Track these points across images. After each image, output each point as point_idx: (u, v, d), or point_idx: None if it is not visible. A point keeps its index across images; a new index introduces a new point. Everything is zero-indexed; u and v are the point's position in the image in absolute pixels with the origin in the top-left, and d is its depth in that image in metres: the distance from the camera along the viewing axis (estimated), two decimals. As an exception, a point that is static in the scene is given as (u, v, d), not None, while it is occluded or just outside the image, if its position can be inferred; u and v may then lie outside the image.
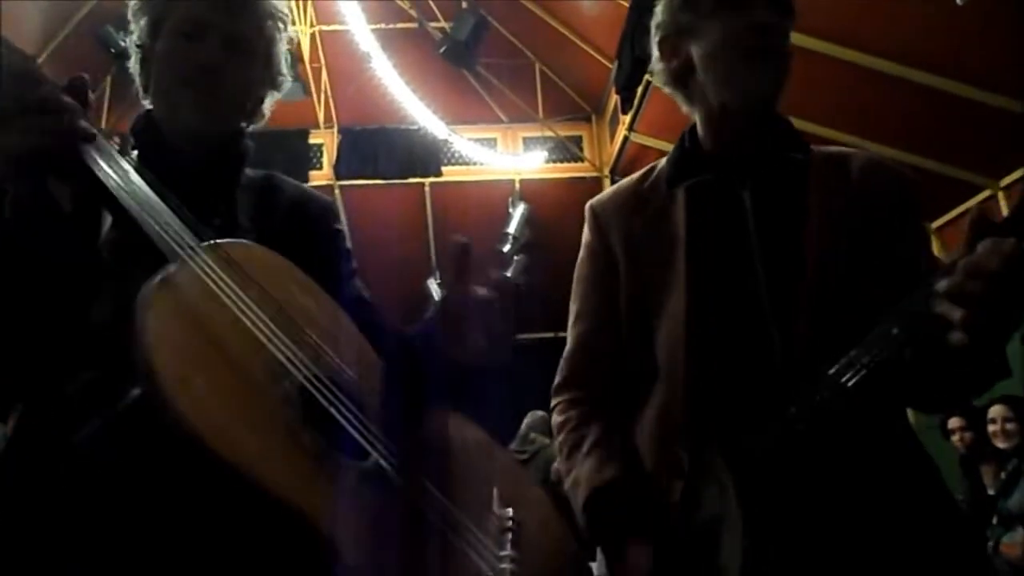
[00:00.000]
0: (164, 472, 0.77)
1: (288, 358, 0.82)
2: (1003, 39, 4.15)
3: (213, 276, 0.82)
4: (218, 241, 0.86)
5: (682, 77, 1.19)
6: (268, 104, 1.12)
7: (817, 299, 1.06)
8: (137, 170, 0.87)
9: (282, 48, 1.10)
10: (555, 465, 5.15)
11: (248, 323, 0.81)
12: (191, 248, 0.83)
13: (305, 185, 1.19)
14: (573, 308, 1.27)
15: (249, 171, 1.10)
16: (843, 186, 1.13)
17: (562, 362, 1.28)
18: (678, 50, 1.17)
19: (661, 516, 1.07)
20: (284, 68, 1.12)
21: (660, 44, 1.20)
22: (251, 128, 1.11)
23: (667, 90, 1.23)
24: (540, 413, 5.67)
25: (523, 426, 5.67)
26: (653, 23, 1.21)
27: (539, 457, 5.41)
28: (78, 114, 0.81)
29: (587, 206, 1.29)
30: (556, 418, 1.24)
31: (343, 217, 7.10)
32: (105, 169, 0.83)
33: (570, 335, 1.27)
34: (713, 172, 1.17)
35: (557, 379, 1.27)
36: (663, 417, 1.12)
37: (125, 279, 0.79)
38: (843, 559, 0.99)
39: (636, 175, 1.28)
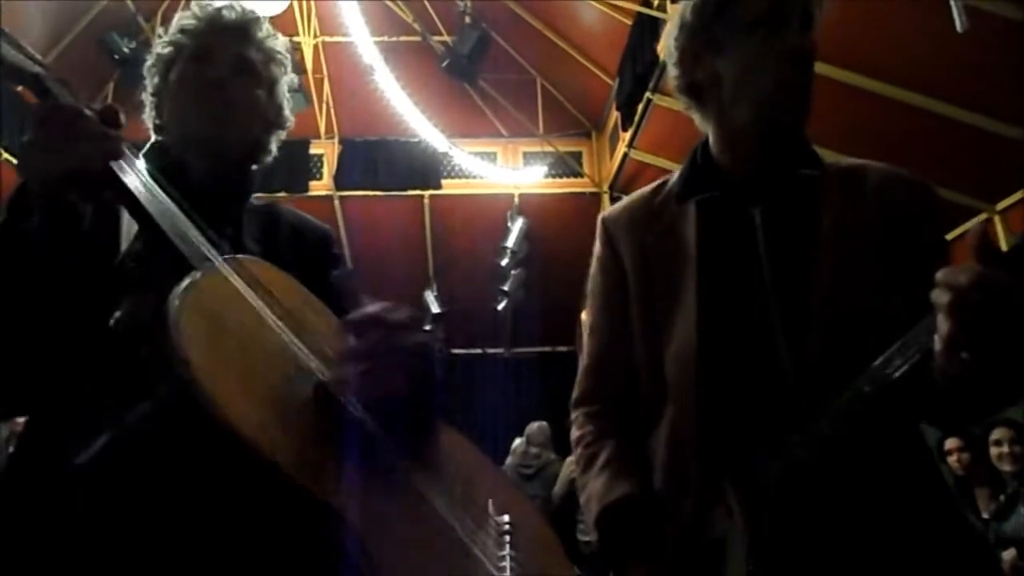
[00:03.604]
0: (179, 480, 0.80)
1: (305, 360, 0.86)
2: (1002, 66, 4.19)
3: (234, 283, 0.87)
4: (236, 256, 0.92)
5: (700, 89, 1.16)
6: (274, 143, 1.18)
7: (829, 319, 1.04)
8: (160, 186, 0.92)
9: (284, 89, 1.17)
10: (556, 489, 5.14)
11: (268, 327, 0.86)
12: (213, 258, 0.88)
13: (303, 213, 1.24)
14: (587, 322, 1.28)
15: (252, 200, 1.15)
16: (858, 201, 1.11)
17: (579, 376, 1.28)
18: (702, 61, 1.13)
19: (670, 536, 1.08)
20: (287, 109, 1.18)
21: (681, 54, 1.16)
22: (256, 167, 1.16)
23: (678, 97, 1.20)
24: (536, 424, 5.62)
25: (524, 437, 5.61)
26: (675, 26, 1.16)
27: (545, 472, 5.36)
28: (116, 138, 0.87)
29: (599, 219, 1.28)
30: (574, 432, 1.24)
31: (342, 227, 7.04)
32: (136, 183, 0.88)
33: (585, 349, 1.28)
34: (723, 188, 1.16)
35: (575, 393, 1.27)
36: (674, 437, 1.11)
37: (150, 287, 0.83)
38: None
39: (648, 188, 1.26)
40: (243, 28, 1.10)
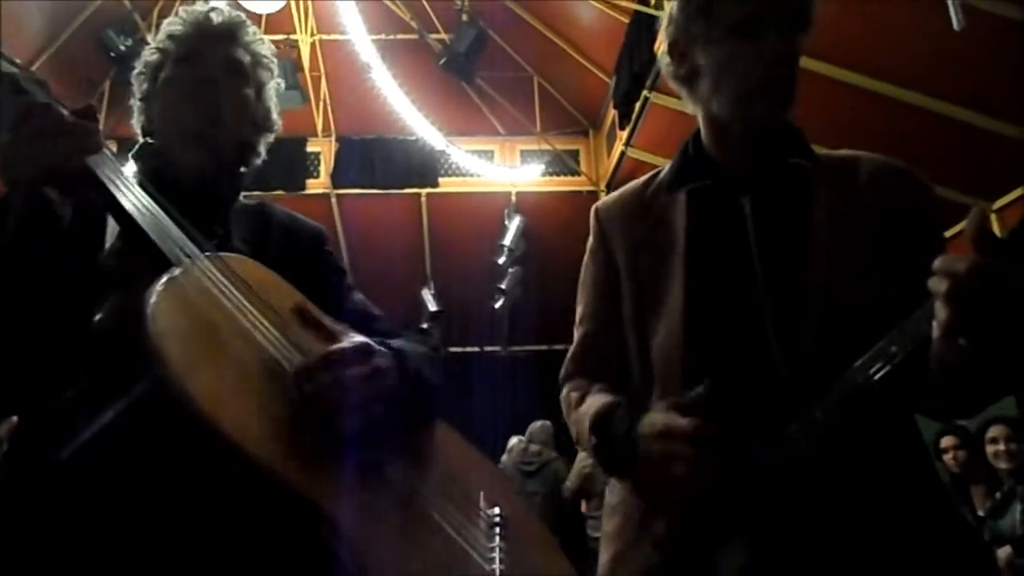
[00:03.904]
0: (160, 476, 0.80)
1: (285, 357, 0.86)
2: (1000, 64, 4.20)
3: (214, 280, 0.87)
4: (219, 253, 0.92)
5: (688, 81, 1.18)
6: (263, 146, 1.19)
7: (822, 309, 1.04)
8: (140, 184, 0.92)
9: (271, 92, 1.18)
10: (568, 483, 5.15)
11: (247, 324, 0.86)
12: (193, 256, 0.88)
13: (294, 212, 1.24)
14: (578, 310, 1.28)
15: (241, 199, 1.16)
16: (851, 191, 1.11)
17: (566, 360, 1.28)
18: (686, 56, 1.16)
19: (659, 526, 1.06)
20: (275, 112, 1.19)
21: (671, 45, 1.19)
22: (245, 169, 1.17)
23: (673, 84, 1.22)
24: (539, 423, 5.66)
25: (525, 435, 5.64)
26: (665, 17, 1.19)
27: (547, 469, 5.41)
28: (92, 135, 0.87)
29: (592, 209, 1.30)
30: (562, 396, 1.24)
31: (339, 226, 7.04)
32: (115, 183, 0.89)
33: (575, 337, 1.28)
34: (714, 178, 1.17)
35: (562, 373, 1.28)
36: None
37: (130, 285, 0.83)
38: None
39: (641, 180, 1.27)
40: (231, 31, 1.12)
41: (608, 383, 1.19)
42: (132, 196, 0.89)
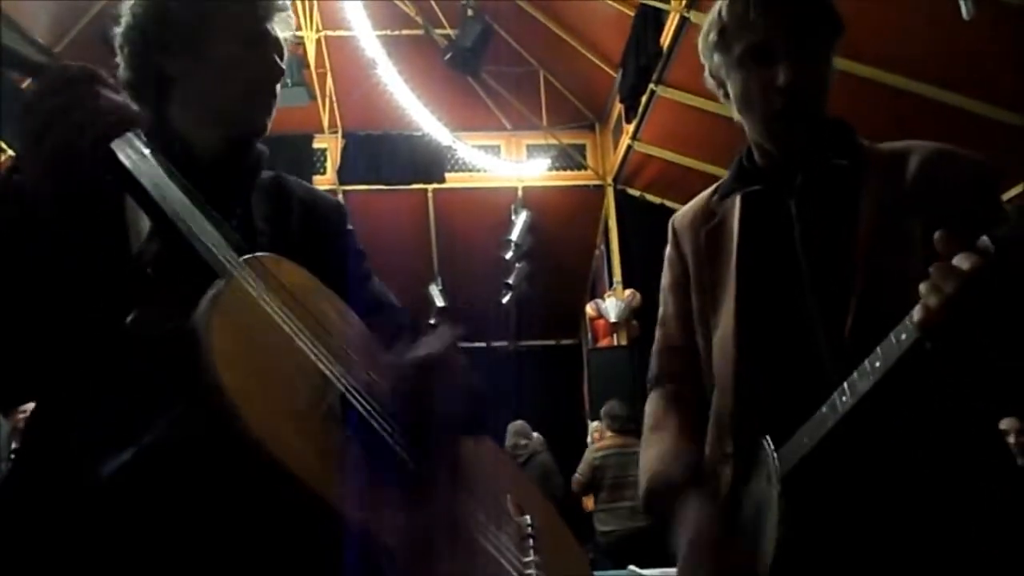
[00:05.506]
0: (201, 498, 0.79)
1: (330, 371, 0.84)
2: (1007, 54, 4.17)
3: (257, 289, 0.83)
4: (255, 255, 0.88)
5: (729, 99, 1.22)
6: None
7: (861, 305, 1.06)
8: (169, 172, 0.87)
9: None
10: (577, 475, 5.23)
11: (294, 338, 0.83)
12: (236, 263, 0.84)
13: (314, 187, 1.20)
14: (659, 313, 1.38)
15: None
16: (899, 184, 1.11)
17: (652, 356, 1.37)
18: (722, 82, 1.21)
19: (712, 499, 1.15)
20: None
21: (708, 72, 1.24)
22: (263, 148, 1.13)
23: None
24: (520, 422, 5.99)
25: (510, 435, 5.88)
26: (700, 38, 1.23)
27: (534, 460, 5.71)
28: (130, 109, 0.84)
29: (670, 221, 1.38)
30: (646, 408, 1.34)
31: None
32: (149, 179, 0.84)
33: (656, 336, 1.37)
34: (764, 182, 1.21)
35: (650, 372, 1.36)
36: (718, 416, 1.19)
37: (170, 294, 0.80)
38: (881, 559, 0.99)
39: (711, 188, 1.33)
40: (282, 10, 1.06)
41: (688, 389, 1.28)
42: (167, 197, 0.83)
